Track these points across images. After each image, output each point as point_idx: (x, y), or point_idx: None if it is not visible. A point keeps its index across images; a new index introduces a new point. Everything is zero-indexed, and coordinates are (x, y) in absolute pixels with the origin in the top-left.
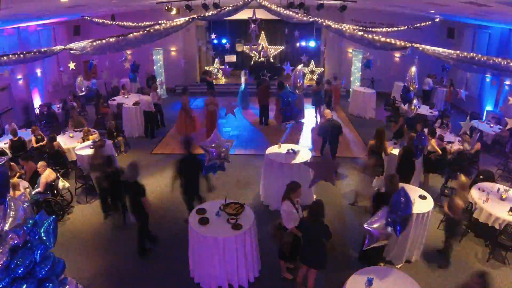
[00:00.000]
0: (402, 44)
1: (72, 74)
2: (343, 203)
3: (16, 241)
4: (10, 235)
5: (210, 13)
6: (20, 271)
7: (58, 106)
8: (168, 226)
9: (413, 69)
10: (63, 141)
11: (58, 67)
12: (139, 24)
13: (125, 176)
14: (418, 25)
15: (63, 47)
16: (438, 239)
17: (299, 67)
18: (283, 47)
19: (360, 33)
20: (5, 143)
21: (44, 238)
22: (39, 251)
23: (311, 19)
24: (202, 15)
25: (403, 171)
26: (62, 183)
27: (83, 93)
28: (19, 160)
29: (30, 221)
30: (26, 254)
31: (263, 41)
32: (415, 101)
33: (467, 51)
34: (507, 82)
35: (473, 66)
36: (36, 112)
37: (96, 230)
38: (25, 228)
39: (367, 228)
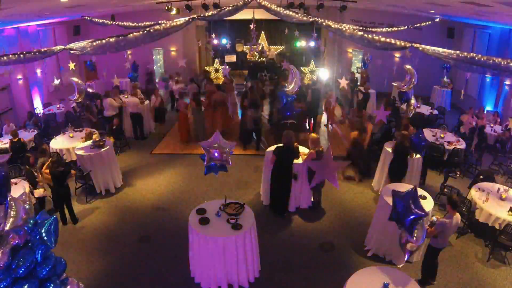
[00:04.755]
0: (402, 44)
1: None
2: (343, 204)
3: (17, 241)
4: (11, 235)
5: (210, 13)
6: (21, 271)
7: (58, 106)
8: (168, 226)
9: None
10: (63, 141)
11: (58, 67)
12: (139, 24)
13: None
14: (418, 25)
15: (63, 47)
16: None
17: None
18: (283, 47)
19: (360, 33)
20: (4, 143)
21: (45, 238)
22: (40, 251)
23: (311, 19)
24: (202, 15)
25: (396, 167)
26: None
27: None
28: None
29: (31, 221)
30: (27, 254)
31: (263, 41)
32: (413, 101)
33: (467, 51)
34: (507, 82)
35: (473, 66)
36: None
37: (96, 230)
38: (26, 228)
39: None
